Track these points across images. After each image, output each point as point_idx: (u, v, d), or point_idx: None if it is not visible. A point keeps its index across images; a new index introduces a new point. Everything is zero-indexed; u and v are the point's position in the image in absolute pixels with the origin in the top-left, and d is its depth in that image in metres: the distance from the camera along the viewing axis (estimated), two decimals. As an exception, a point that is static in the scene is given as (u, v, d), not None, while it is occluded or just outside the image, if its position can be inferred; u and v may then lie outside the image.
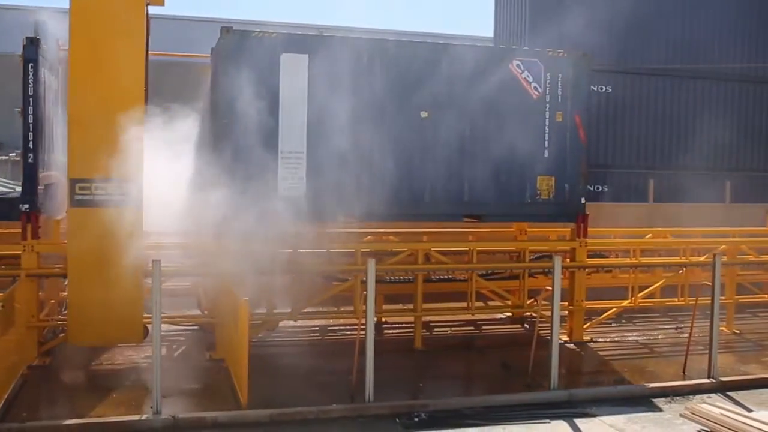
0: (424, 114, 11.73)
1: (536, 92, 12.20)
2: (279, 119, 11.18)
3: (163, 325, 12.29)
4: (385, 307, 13.09)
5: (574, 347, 12.52)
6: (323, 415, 8.99)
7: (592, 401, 9.78)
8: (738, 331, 13.69)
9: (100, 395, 9.54)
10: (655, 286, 13.41)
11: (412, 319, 12.99)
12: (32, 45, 10.64)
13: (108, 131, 10.26)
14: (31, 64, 10.59)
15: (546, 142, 12.30)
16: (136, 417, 8.69)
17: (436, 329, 13.55)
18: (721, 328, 13.56)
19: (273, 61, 11.10)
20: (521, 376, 10.48)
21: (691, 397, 10.11)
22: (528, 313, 13.90)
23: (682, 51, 20.01)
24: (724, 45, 20.60)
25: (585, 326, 12.97)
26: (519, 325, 14.00)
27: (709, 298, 13.59)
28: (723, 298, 13.79)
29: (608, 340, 13.01)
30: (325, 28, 26.47)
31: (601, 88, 19.75)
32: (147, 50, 12.47)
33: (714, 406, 9.07)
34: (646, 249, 14.34)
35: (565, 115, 12.35)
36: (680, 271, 13.60)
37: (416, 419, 9.00)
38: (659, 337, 13.30)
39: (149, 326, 11.79)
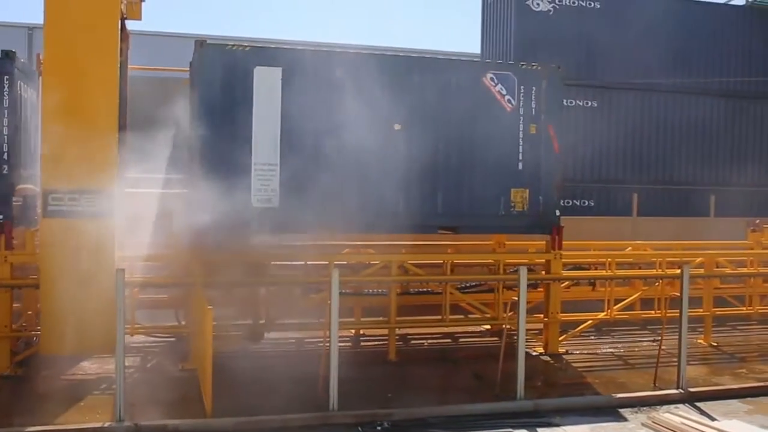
0: (397, 126, 11.85)
1: (510, 105, 12.30)
2: (252, 131, 11.30)
3: (139, 337, 12.59)
4: (364, 319, 13.12)
5: (549, 359, 12.56)
6: (287, 423, 9.04)
7: (558, 411, 9.81)
8: (715, 344, 13.70)
9: (69, 404, 9.63)
10: (631, 298, 13.46)
11: (398, 330, 13.23)
12: (7, 58, 10.84)
13: (81, 143, 10.40)
14: (6, 77, 10.77)
15: (520, 155, 12.40)
16: (98, 424, 8.76)
17: (412, 341, 13.59)
18: (698, 341, 13.75)
19: (247, 73, 11.25)
20: (492, 387, 10.52)
21: (658, 407, 10.12)
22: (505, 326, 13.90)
23: (667, 66, 20.10)
24: (709, 60, 20.70)
25: (561, 338, 13.00)
26: (497, 338, 13.99)
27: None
28: (701, 310, 13.90)
29: (584, 352, 13.04)
30: (322, 45, 26.70)
31: (587, 103, 19.85)
32: (126, 63, 12.71)
33: (676, 415, 9.09)
34: (623, 262, 14.41)
35: (539, 128, 12.45)
36: (656, 284, 13.62)
37: (379, 428, 9.05)
38: (635, 349, 13.32)
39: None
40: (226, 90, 11.21)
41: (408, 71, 11.96)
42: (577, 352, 13.00)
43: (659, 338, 13.72)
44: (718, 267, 14.07)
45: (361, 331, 13.70)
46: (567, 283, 14.45)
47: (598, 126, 19.86)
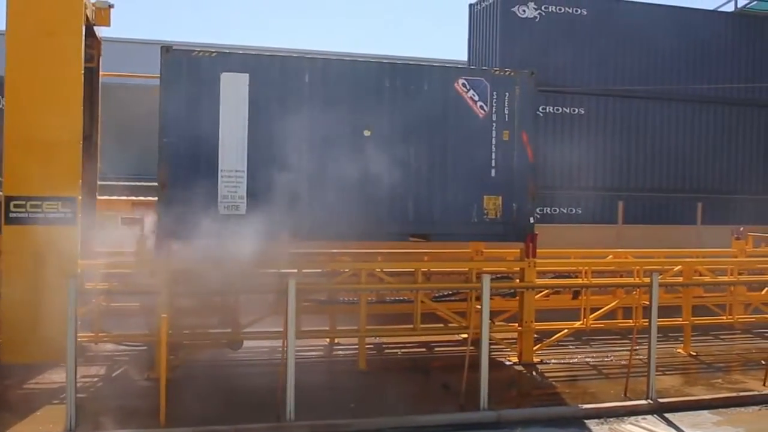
0: (367, 132, 11.73)
1: (482, 111, 12.17)
2: (219, 138, 11.20)
3: (110, 345, 12.48)
4: (339, 328, 12.97)
5: (522, 369, 12.37)
6: (241, 434, 8.89)
7: (522, 422, 9.64)
8: (694, 353, 13.48)
9: (24, 414, 9.47)
10: (606, 308, 13.26)
11: (375, 339, 13.28)
12: (-31, 65, 10.76)
13: (43, 150, 10.37)
14: (-32, 84, 10.71)
15: (493, 161, 12.25)
16: (44, 435, 8.64)
17: (387, 351, 13.43)
18: (677, 350, 13.56)
19: (213, 80, 11.16)
20: (459, 398, 10.32)
21: (626, 418, 9.94)
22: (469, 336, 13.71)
23: (655, 73, 19.95)
24: (698, 67, 20.52)
25: (535, 348, 12.82)
26: (473, 347, 13.79)
27: (664, 320, 13.62)
28: (680, 319, 13.71)
29: (559, 361, 12.84)
30: (311, 52, 26.63)
31: (574, 110, 19.69)
32: (98, 70, 12.67)
33: (638, 426, 8.90)
34: (604, 270, 14.24)
35: (512, 134, 12.31)
36: (633, 293, 13.43)
37: (335, 439, 8.90)
38: (612, 359, 13.10)
39: (87, 345, 11.91)
40: (192, 96, 11.11)
41: (378, 77, 11.83)
42: (553, 361, 12.79)
43: (637, 348, 13.64)
44: (697, 276, 13.84)
45: (336, 340, 13.54)
46: (547, 291, 14.30)
47: (585, 133, 19.71)
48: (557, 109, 19.50)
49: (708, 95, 20.42)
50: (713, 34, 20.61)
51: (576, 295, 14.58)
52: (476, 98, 12.16)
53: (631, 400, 10.51)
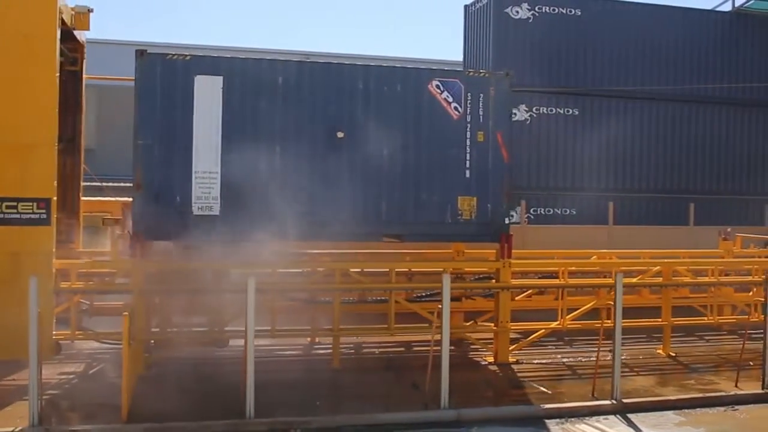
0: (340, 134, 11.86)
1: (456, 112, 12.25)
2: (193, 139, 11.38)
3: (93, 343, 12.72)
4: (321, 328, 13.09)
5: (496, 369, 12.43)
6: (201, 430, 9.06)
7: (481, 421, 9.71)
8: (673, 354, 13.46)
9: (-6, 407, 9.74)
10: (584, 308, 13.26)
11: (356, 339, 13.49)
12: (-53, 68, 11.00)
13: (18, 151, 10.60)
14: (-54, 87, 10.94)
15: (467, 162, 12.33)
16: (8, 429, 8.85)
17: (365, 350, 13.55)
18: (657, 351, 13.54)
19: (187, 82, 11.35)
20: (425, 397, 10.41)
21: (588, 418, 9.97)
22: (469, 335, 13.79)
23: (649, 73, 19.90)
24: (692, 67, 20.43)
25: (512, 348, 12.87)
26: (453, 347, 13.84)
27: (644, 321, 13.65)
28: (660, 320, 13.70)
29: (535, 361, 12.88)
30: (309, 54, 26.87)
31: (568, 111, 19.68)
32: (81, 73, 12.90)
33: (592, 426, 8.95)
34: (587, 270, 14.25)
35: (487, 135, 12.38)
36: (610, 293, 13.39)
37: (292, 436, 9.03)
38: (590, 359, 13.07)
39: (69, 343, 12.14)
40: (167, 99, 11.32)
41: (351, 79, 11.96)
42: (529, 361, 12.83)
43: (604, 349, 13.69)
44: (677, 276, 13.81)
45: (317, 339, 13.68)
46: (530, 292, 14.32)
47: (579, 134, 19.70)
48: (551, 110, 19.54)
49: (700, 95, 20.34)
50: (709, 34, 20.51)
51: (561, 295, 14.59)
52: (450, 99, 12.24)
53: (595, 400, 10.53)
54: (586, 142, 19.64)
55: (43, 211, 10.77)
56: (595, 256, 14.73)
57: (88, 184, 14.70)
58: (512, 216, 18.71)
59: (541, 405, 10.31)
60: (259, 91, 11.61)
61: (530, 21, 19.34)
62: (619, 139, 19.96)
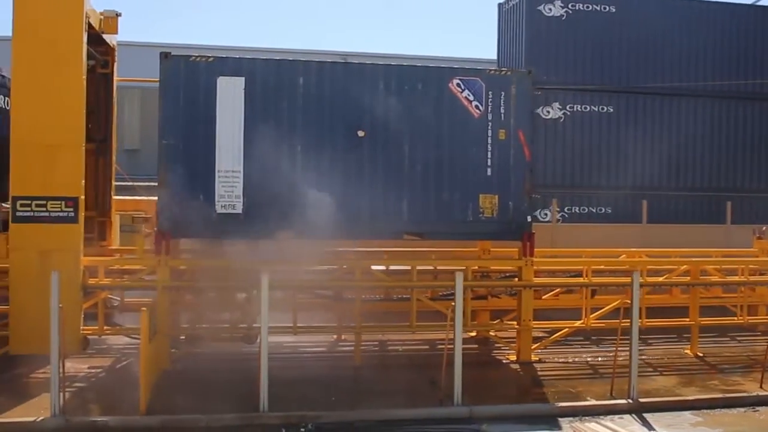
0: (361, 133, 11.98)
1: (477, 111, 12.26)
2: (216, 139, 11.62)
3: (123, 338, 13.06)
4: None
5: (518, 367, 12.41)
6: (213, 423, 9.28)
7: (493, 418, 9.73)
8: (701, 354, 13.26)
9: (22, 400, 10.10)
10: (608, 307, 13.12)
11: (382, 337, 13.64)
12: (-21, 73, 11.47)
13: (48, 152, 10.98)
14: (-19, 91, 11.42)
15: (488, 160, 12.34)
16: (31, 418, 9.19)
17: (389, 347, 13.65)
18: (684, 351, 13.36)
19: (210, 83, 11.60)
20: (440, 393, 10.47)
21: (602, 417, 9.91)
22: (492, 333, 13.80)
23: (685, 69, 19.59)
24: (729, 63, 20.04)
25: (535, 346, 12.83)
26: (478, 345, 13.92)
27: (672, 320, 13.50)
28: (687, 319, 13.53)
29: (558, 360, 12.84)
30: (347, 54, 27.03)
31: (602, 108, 19.49)
32: (112, 76, 13.25)
33: (601, 425, 8.91)
34: (614, 269, 14.12)
35: (508, 133, 12.36)
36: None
37: (302, 430, 9.17)
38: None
39: (96, 338, 12.48)
40: (190, 99, 11.58)
41: (372, 78, 12.07)
42: (552, 360, 12.79)
43: (643, 348, 13.55)
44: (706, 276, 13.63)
45: (343, 337, 13.83)
46: (557, 290, 14.25)
47: (614, 131, 19.49)
48: (585, 108, 19.36)
49: (738, 92, 19.92)
50: (749, 29, 20.09)
51: (592, 294, 14.47)
52: (471, 98, 12.26)
53: (612, 399, 10.46)
54: (621, 140, 19.43)
55: (71, 209, 11.10)
56: (624, 255, 14.58)
57: (128, 183, 15.11)
58: (546, 215, 18.80)
59: (555, 403, 10.30)
60: (281, 91, 11.80)
61: (563, 18, 19.19)
62: (655, 136, 19.67)
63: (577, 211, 19.47)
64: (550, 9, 19.10)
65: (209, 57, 11.76)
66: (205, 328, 12.59)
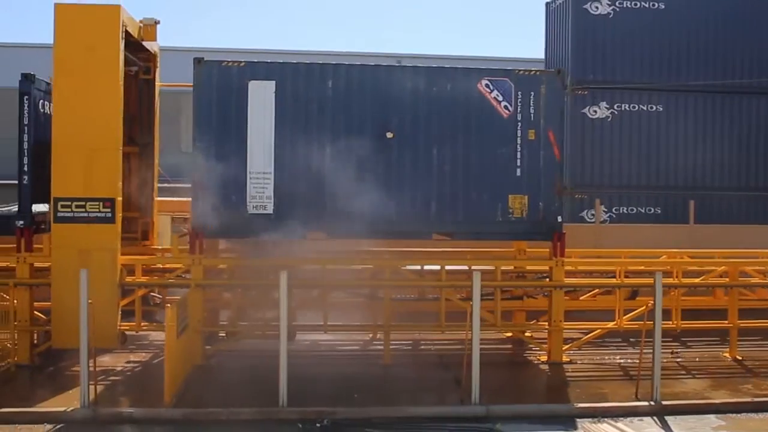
0: (389, 135, 12.13)
1: (506, 111, 12.27)
2: (248, 141, 11.94)
3: (163, 334, 13.48)
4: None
5: (546, 368, 12.37)
6: (233, 416, 9.57)
7: (510, 418, 9.76)
8: (740, 358, 12.94)
9: (58, 392, 10.65)
10: (640, 309, 12.90)
11: (417, 336, 13.80)
12: (26, 80, 12.06)
13: (87, 155, 11.47)
14: (25, 97, 12.00)
15: (518, 161, 12.33)
16: (61, 409, 9.64)
17: (422, 347, 13.75)
18: (723, 354, 13.08)
19: (241, 87, 11.93)
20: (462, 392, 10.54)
21: (622, 418, 9.83)
22: (528, 334, 13.76)
23: (738, 66, 19.10)
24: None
25: (567, 347, 12.75)
26: (511, 346, 13.91)
27: (710, 323, 13.25)
28: (725, 322, 13.26)
29: (589, 361, 12.72)
30: (401, 56, 27.23)
31: (651, 107, 19.16)
32: (153, 81, 13.73)
33: (614, 427, 8.86)
34: (652, 270, 13.88)
35: (538, 133, 12.33)
36: (671, 293, 13.08)
37: (318, 425, 9.38)
38: (648, 361, 12.77)
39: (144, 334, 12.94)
40: (223, 103, 11.94)
41: (400, 80, 12.22)
42: (583, 361, 12.69)
43: (678, 350, 13.36)
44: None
45: (378, 336, 13.98)
46: (595, 291, 14.11)
47: (663, 131, 19.16)
48: (633, 107, 19.08)
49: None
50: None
51: (634, 295, 14.29)
52: (500, 98, 12.27)
53: (633, 401, 10.35)
54: (670, 139, 19.08)
55: (109, 210, 11.56)
56: (664, 256, 14.33)
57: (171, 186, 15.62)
58: (593, 215, 18.56)
59: (575, 404, 10.25)
60: (310, 94, 12.05)
61: (610, 16, 18.95)
62: (707, 135, 19.24)
63: (626, 212, 19.20)
64: (597, 7, 18.88)
65: (241, 62, 12.09)
66: (244, 325, 12.95)
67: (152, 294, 13.45)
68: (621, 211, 19.17)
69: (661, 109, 19.16)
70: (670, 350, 13.27)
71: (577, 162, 18.98)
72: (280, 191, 11.96)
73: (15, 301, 11.86)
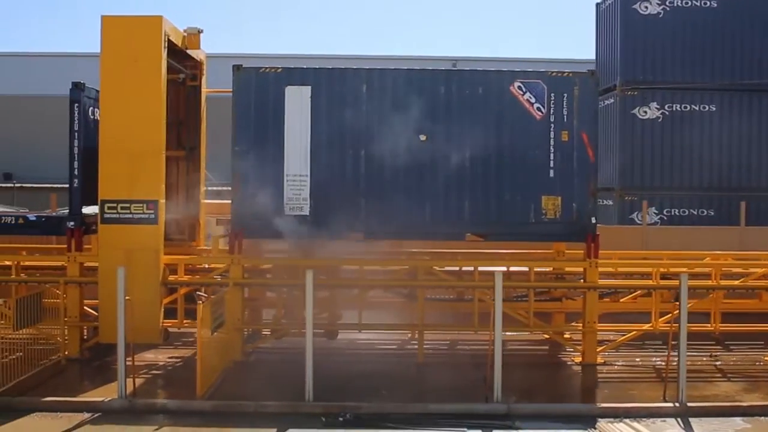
0: (422, 137, 12.34)
1: (539, 113, 12.35)
2: (284, 145, 12.32)
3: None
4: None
5: (579, 369, 12.38)
6: (260, 409, 9.94)
7: (530, 416, 9.86)
8: (782, 361, 12.71)
9: (101, 384, 11.18)
10: (675, 312, 12.76)
11: (455, 336, 13.98)
12: (76, 88, 12.68)
13: (131, 159, 12.05)
14: (76, 104, 12.63)
15: (551, 162, 12.38)
16: (99, 399, 10.18)
17: (458, 347, 13.90)
18: (765, 357, 12.85)
19: (279, 92, 12.32)
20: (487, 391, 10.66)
21: (644, 419, 9.80)
22: (567, 335, 13.77)
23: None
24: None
25: (601, 349, 12.72)
26: (547, 347, 13.93)
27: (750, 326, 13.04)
28: (765, 326, 13.03)
29: (624, 363, 12.66)
30: (456, 59, 27.42)
31: (704, 107, 18.85)
32: (200, 88, 14.27)
33: (629, 426, 8.88)
34: (696, 273, 13.73)
35: (571, 135, 12.36)
36: (710, 295, 12.91)
37: (340, 419, 9.66)
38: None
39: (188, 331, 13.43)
40: (260, 108, 12.35)
41: (433, 84, 12.42)
42: (617, 363, 12.64)
43: (718, 354, 13.16)
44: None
45: (416, 335, 14.18)
46: (636, 294, 14.00)
47: (716, 131, 18.82)
48: (685, 107, 18.79)
49: None
50: None
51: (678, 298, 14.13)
52: (533, 100, 12.35)
53: (661, 402, 10.31)
54: (723, 140, 18.73)
55: (152, 211, 12.11)
56: (708, 258, 14.14)
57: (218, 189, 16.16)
58: (645, 217, 18.35)
59: (597, 404, 10.27)
60: (345, 98, 12.36)
61: (660, 16, 18.74)
62: (762, 135, 18.81)
63: (677, 214, 18.94)
64: (646, 7, 18.70)
65: (278, 68, 12.48)
66: (284, 323, 13.34)
67: (198, 293, 13.95)
68: (672, 214, 18.91)
69: (714, 108, 18.85)
70: (710, 353, 13.12)
71: (627, 163, 18.83)
72: (316, 193, 12.29)
73: (65, 298, 12.51)
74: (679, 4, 18.74)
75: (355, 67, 12.73)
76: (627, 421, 9.54)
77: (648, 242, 16.48)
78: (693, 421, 9.78)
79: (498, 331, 10.27)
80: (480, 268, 13.06)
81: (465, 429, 9.41)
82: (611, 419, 9.75)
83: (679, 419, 9.85)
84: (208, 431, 9.52)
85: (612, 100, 19.58)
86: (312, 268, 12.46)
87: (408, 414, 9.88)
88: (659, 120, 18.87)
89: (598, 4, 20.53)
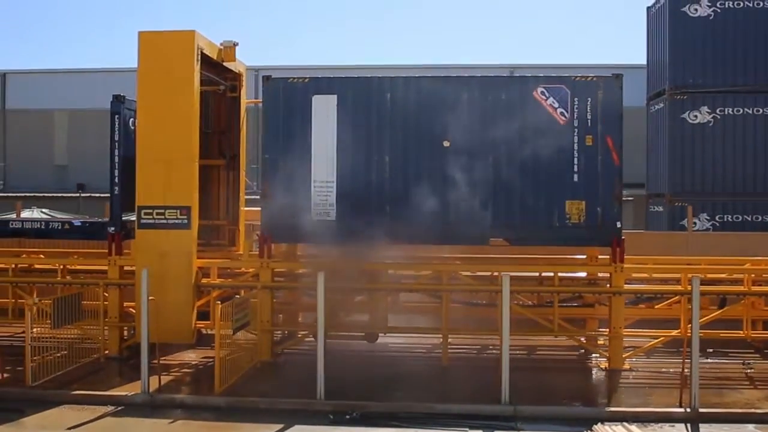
0: (446, 143, 12.52)
1: (563, 117, 12.36)
2: (312, 152, 12.70)
3: (246, 333, 14.45)
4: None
5: (603, 374, 12.29)
6: (272, 405, 10.30)
7: (536, 419, 9.89)
8: (815, 370, 12.30)
9: (130, 380, 11.65)
10: (708, 317, 12.53)
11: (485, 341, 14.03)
12: (117, 101, 13.39)
13: (165, 167, 12.64)
14: (116, 116, 13.34)
15: (575, 167, 12.37)
16: (124, 393, 10.73)
17: (489, 350, 13.95)
18: (800, 366, 12.49)
19: (305, 102, 12.72)
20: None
21: (653, 424, 9.71)
22: (601, 341, 13.67)
23: None
24: None
25: (627, 354, 12.58)
26: (575, 352, 13.83)
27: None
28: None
29: (650, 369, 12.48)
30: (514, 66, 27.35)
31: (758, 111, 18.35)
32: (239, 99, 14.82)
33: (626, 429, 8.83)
34: (734, 279, 13.45)
35: (596, 139, 12.32)
36: (741, 301, 12.60)
37: (348, 417, 9.91)
38: (714, 370, 12.39)
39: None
40: (288, 117, 12.78)
41: (456, 90, 12.60)
42: (644, 368, 12.48)
43: (750, 361, 12.84)
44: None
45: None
46: (670, 300, 13.78)
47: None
48: (738, 111, 18.33)
49: None
50: None
51: (723, 303, 13.84)
52: (556, 105, 12.38)
53: (673, 407, 10.17)
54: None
55: (185, 217, 12.66)
56: (748, 264, 13.79)
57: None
58: (695, 223, 18.00)
59: (605, 408, 10.21)
60: (370, 106, 12.67)
61: (711, 18, 18.35)
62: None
63: (730, 220, 18.47)
64: (696, 9, 18.35)
65: (305, 78, 12.89)
66: (312, 325, 13.64)
67: (237, 296, 14.42)
68: (725, 219, 18.45)
69: (767, 111, 18.29)
70: (743, 360, 12.81)
71: (677, 169, 18.50)
72: (343, 199, 12.61)
73: (106, 300, 13.19)
74: (730, 5, 18.32)
75: (379, 76, 13.03)
76: (625, 423, 9.45)
77: (694, 248, 16.15)
78: (703, 427, 9.65)
79: (506, 334, 10.34)
80: (511, 273, 13.12)
81: (467, 429, 9.51)
82: (610, 423, 9.69)
83: (688, 425, 9.71)
84: (218, 425, 9.90)
85: (661, 105, 19.26)
86: (343, 272, 12.97)
87: (414, 413, 10.05)
88: (710, 124, 18.47)
89: (648, 8, 20.23)
